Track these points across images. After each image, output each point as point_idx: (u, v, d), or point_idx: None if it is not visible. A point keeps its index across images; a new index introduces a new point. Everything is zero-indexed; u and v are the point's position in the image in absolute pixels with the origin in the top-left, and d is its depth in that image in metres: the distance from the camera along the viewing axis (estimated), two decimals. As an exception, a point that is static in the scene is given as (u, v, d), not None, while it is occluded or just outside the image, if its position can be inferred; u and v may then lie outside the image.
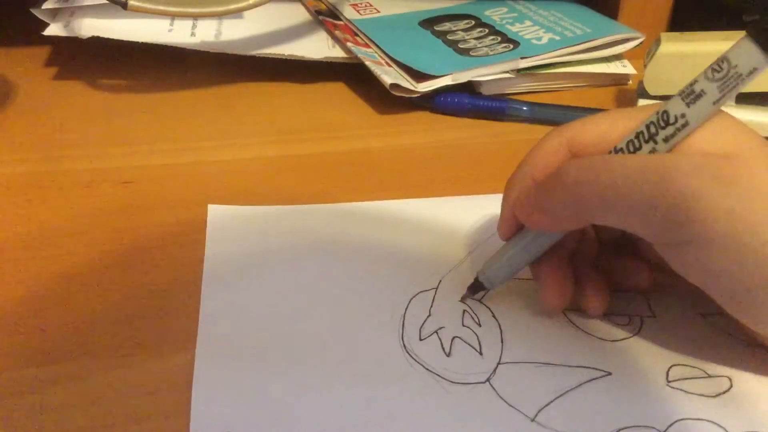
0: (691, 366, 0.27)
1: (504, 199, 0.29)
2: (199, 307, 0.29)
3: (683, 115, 0.25)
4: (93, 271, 0.31)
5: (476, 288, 0.30)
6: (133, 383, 0.26)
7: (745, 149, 0.24)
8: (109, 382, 0.26)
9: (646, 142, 0.25)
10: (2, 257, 0.32)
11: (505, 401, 0.26)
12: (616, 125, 0.27)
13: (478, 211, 0.36)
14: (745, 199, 0.23)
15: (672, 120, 0.25)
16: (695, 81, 0.25)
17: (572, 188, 0.26)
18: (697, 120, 0.25)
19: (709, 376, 0.27)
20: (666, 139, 0.25)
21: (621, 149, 0.26)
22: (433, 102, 0.46)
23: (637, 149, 0.26)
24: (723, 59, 0.24)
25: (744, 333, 0.28)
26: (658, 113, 0.25)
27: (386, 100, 0.46)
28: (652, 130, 0.25)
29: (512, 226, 0.29)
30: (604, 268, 0.30)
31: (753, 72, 0.24)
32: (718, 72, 0.24)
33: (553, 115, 0.45)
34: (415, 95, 0.45)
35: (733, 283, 0.24)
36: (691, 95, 0.25)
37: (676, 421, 0.25)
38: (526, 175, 0.28)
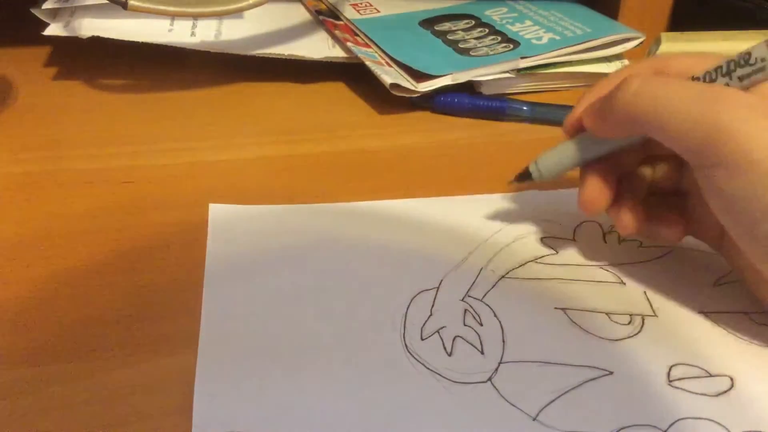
0: (692, 365, 0.27)
1: (578, 102, 0.32)
2: (200, 306, 0.29)
3: (764, 59, 0.26)
4: (94, 271, 0.31)
5: (524, 176, 0.33)
6: (134, 383, 0.26)
7: None
8: (110, 382, 0.26)
9: (723, 76, 0.27)
10: (2, 257, 0.32)
11: (507, 400, 0.26)
12: (701, 62, 0.28)
13: (478, 210, 0.36)
14: None
15: (752, 61, 0.26)
16: None
17: (632, 97, 0.27)
18: None
19: (711, 375, 0.27)
20: (741, 78, 0.26)
21: (697, 78, 0.28)
22: (433, 102, 0.46)
23: (712, 80, 0.27)
24: None
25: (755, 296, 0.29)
26: (741, 54, 0.27)
27: (386, 100, 0.46)
28: (732, 66, 0.27)
29: (576, 127, 0.32)
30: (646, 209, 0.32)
31: None
32: None
33: (554, 115, 0.45)
34: (415, 95, 0.45)
35: (756, 208, 0.25)
36: None
37: (677, 420, 0.25)
38: (605, 86, 0.30)
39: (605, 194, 0.31)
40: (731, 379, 0.27)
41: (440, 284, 0.31)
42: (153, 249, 0.33)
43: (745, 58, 0.26)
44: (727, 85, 0.27)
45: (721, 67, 0.27)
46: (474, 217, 0.35)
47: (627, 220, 0.31)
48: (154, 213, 0.35)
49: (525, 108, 0.45)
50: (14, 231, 0.34)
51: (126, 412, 0.25)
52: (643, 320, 0.30)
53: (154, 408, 0.25)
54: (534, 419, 0.25)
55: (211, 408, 0.25)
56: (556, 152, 0.32)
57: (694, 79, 0.28)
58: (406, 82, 0.45)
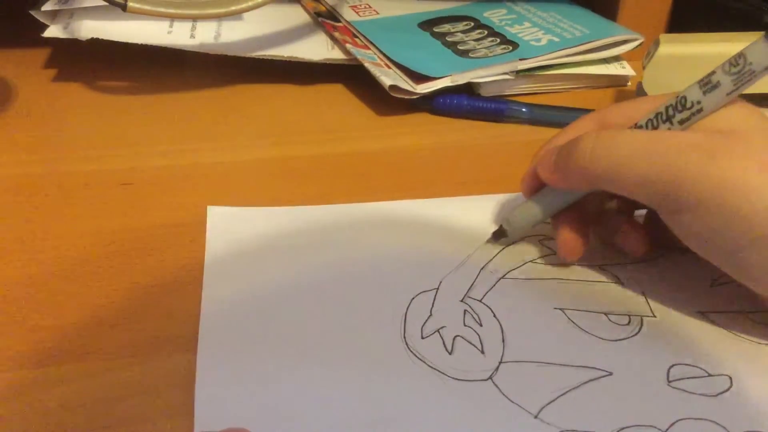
0: (691, 365, 0.28)
1: (530, 164, 0.33)
2: (199, 308, 0.29)
3: (699, 102, 0.27)
4: (93, 272, 0.31)
5: (499, 234, 0.33)
6: (134, 384, 0.26)
7: (748, 126, 0.27)
8: (110, 383, 0.26)
9: (664, 122, 0.28)
10: (2, 259, 0.32)
11: (508, 398, 0.26)
12: (641, 106, 0.30)
13: (477, 211, 0.36)
14: (736, 169, 0.25)
15: (689, 105, 0.28)
16: (713, 72, 0.27)
17: (588, 158, 0.29)
18: (711, 107, 0.27)
19: (710, 375, 0.27)
20: (681, 121, 0.28)
21: (641, 126, 0.29)
22: (432, 103, 0.46)
23: (654, 128, 0.28)
24: (740, 55, 0.26)
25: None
26: (677, 97, 0.28)
27: (385, 101, 0.46)
28: (670, 112, 0.28)
29: (534, 183, 0.32)
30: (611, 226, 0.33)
31: (766, 70, 0.26)
32: (735, 66, 0.26)
33: (552, 117, 0.45)
34: (415, 97, 0.45)
35: (725, 244, 0.26)
36: (708, 85, 0.27)
37: (677, 421, 0.25)
38: (555, 143, 0.32)
39: (579, 240, 0.31)
40: (730, 379, 0.27)
41: (439, 285, 0.31)
42: (152, 250, 0.33)
43: (681, 102, 0.28)
44: (669, 129, 0.28)
45: (661, 113, 0.28)
46: (473, 218, 0.35)
47: (634, 247, 0.32)
48: (154, 214, 0.35)
49: (524, 109, 0.46)
50: (14, 232, 0.34)
51: (127, 414, 0.25)
52: (641, 321, 0.30)
53: (155, 409, 0.25)
54: (535, 417, 0.25)
55: (212, 408, 0.25)
56: (525, 210, 0.33)
57: (638, 126, 0.29)
58: (405, 83, 0.45)
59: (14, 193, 0.37)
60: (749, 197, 0.25)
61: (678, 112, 0.28)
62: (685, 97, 0.28)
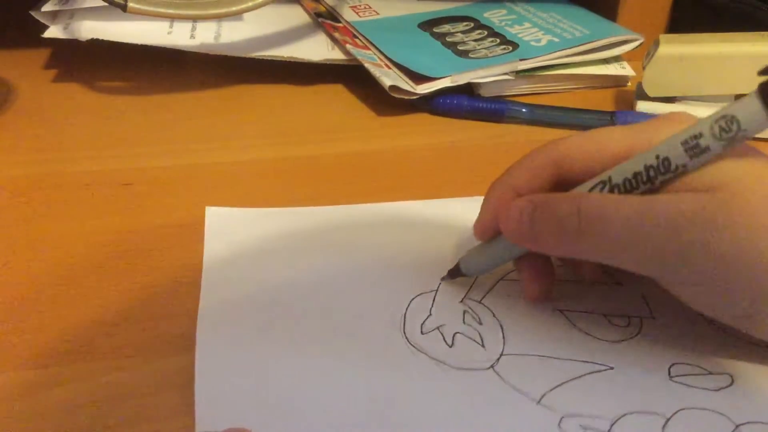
0: (691, 365, 0.28)
1: (484, 204, 0.30)
2: (197, 308, 0.29)
3: (684, 165, 0.25)
4: (92, 273, 0.31)
5: (455, 273, 0.31)
6: (132, 385, 0.26)
7: (741, 177, 0.25)
8: (109, 384, 0.26)
9: (644, 183, 0.26)
10: (2, 259, 0.32)
11: (510, 385, 0.26)
12: (604, 147, 0.28)
13: (477, 212, 0.36)
14: (735, 239, 0.24)
15: (673, 168, 0.25)
16: (701, 135, 0.25)
17: (573, 234, 0.26)
18: (697, 167, 0.25)
19: (710, 374, 0.27)
20: (663, 183, 0.26)
21: (617, 185, 0.26)
22: (432, 104, 0.46)
23: (633, 188, 0.26)
24: (732, 119, 0.24)
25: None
26: (658, 159, 0.25)
27: (385, 102, 0.46)
28: (651, 173, 0.26)
29: (490, 230, 0.30)
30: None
31: (758, 132, 0.24)
32: (727, 132, 0.24)
33: (552, 117, 0.45)
34: (415, 97, 0.45)
35: (732, 311, 0.26)
36: (695, 149, 0.25)
37: (680, 410, 0.25)
38: (510, 186, 0.29)
39: (545, 281, 0.30)
40: (731, 377, 0.27)
41: (439, 287, 0.31)
42: (152, 250, 0.33)
43: (665, 165, 0.25)
44: (650, 190, 0.26)
45: (640, 174, 0.26)
46: (473, 218, 0.35)
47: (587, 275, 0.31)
48: (153, 214, 0.35)
49: (524, 110, 0.46)
50: (14, 233, 0.34)
51: (127, 414, 0.25)
52: (641, 322, 0.30)
53: (155, 409, 0.25)
54: (538, 402, 0.26)
55: (212, 408, 0.25)
56: (482, 254, 0.31)
57: (613, 186, 0.26)
58: (406, 84, 0.45)
59: (14, 194, 0.37)
60: (753, 268, 0.24)
61: (660, 175, 0.25)
62: (668, 159, 0.25)
